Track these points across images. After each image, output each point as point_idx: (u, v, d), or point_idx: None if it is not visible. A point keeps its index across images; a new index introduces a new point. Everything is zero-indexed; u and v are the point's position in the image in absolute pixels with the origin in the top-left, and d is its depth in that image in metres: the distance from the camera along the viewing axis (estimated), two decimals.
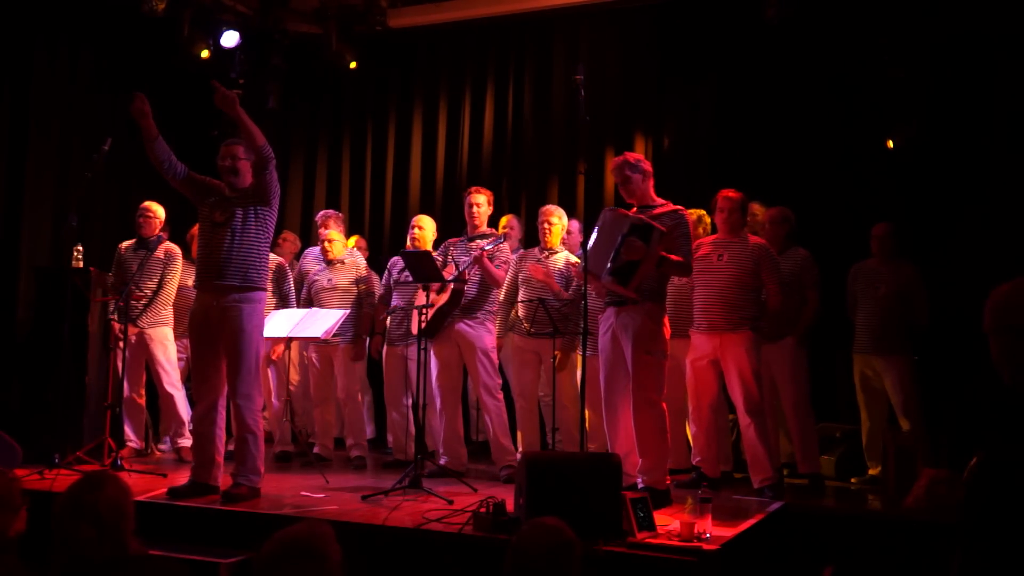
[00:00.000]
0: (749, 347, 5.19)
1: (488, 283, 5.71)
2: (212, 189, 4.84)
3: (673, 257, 4.57)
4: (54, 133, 7.15)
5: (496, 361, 5.78)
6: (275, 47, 7.80)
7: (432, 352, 5.69)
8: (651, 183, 4.83)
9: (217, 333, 4.68)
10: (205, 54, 7.63)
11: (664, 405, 4.71)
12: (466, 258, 5.67)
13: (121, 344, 6.04)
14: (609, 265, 4.49)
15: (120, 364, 6.08)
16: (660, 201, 4.80)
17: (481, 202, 5.79)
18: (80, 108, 7.33)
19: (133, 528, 2.56)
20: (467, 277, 5.61)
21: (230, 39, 7.58)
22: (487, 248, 5.55)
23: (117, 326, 5.96)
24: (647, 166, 4.85)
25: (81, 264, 6.25)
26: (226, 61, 7.70)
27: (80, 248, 6.31)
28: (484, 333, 5.69)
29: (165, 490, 4.73)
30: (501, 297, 5.98)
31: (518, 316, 6.04)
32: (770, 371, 5.67)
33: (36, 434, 5.73)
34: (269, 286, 6.35)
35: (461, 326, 5.66)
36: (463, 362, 5.81)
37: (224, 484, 4.71)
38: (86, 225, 6.88)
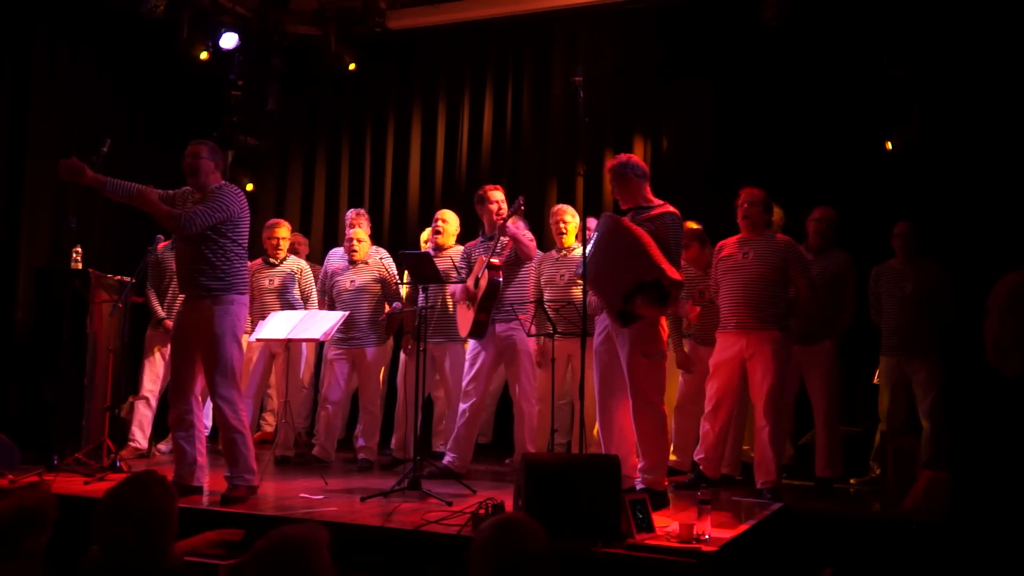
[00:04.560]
0: (777, 348, 5.12)
1: (522, 257, 5.59)
2: (183, 196, 4.81)
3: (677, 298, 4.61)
4: (53, 134, 7.15)
5: (535, 363, 5.78)
6: (274, 49, 7.80)
7: (467, 352, 5.69)
8: (646, 184, 4.79)
9: (193, 337, 4.73)
10: (204, 56, 7.64)
11: (664, 406, 4.69)
12: (493, 259, 5.61)
13: (155, 349, 6.16)
14: (619, 302, 4.47)
15: (150, 369, 6.23)
16: (657, 202, 4.76)
17: (503, 199, 5.76)
18: (79, 110, 7.33)
19: (175, 533, 2.52)
20: (499, 264, 5.51)
21: (229, 41, 7.58)
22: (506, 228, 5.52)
23: (169, 324, 6.06)
24: (641, 165, 4.82)
25: (80, 265, 6.26)
26: (225, 63, 7.71)
27: (79, 249, 6.32)
28: (526, 335, 5.65)
29: None
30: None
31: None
32: (800, 373, 5.61)
33: (35, 435, 5.74)
34: (297, 291, 6.40)
35: (502, 328, 5.61)
36: (499, 365, 5.79)
37: (213, 486, 4.76)
38: (85, 226, 6.88)
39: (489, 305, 5.48)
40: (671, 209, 4.69)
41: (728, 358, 5.24)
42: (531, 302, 5.70)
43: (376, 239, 8.07)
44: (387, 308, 6.37)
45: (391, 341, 6.71)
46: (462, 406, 5.69)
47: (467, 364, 5.71)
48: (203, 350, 4.69)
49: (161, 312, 6.26)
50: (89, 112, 7.40)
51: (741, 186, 5.50)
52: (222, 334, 4.66)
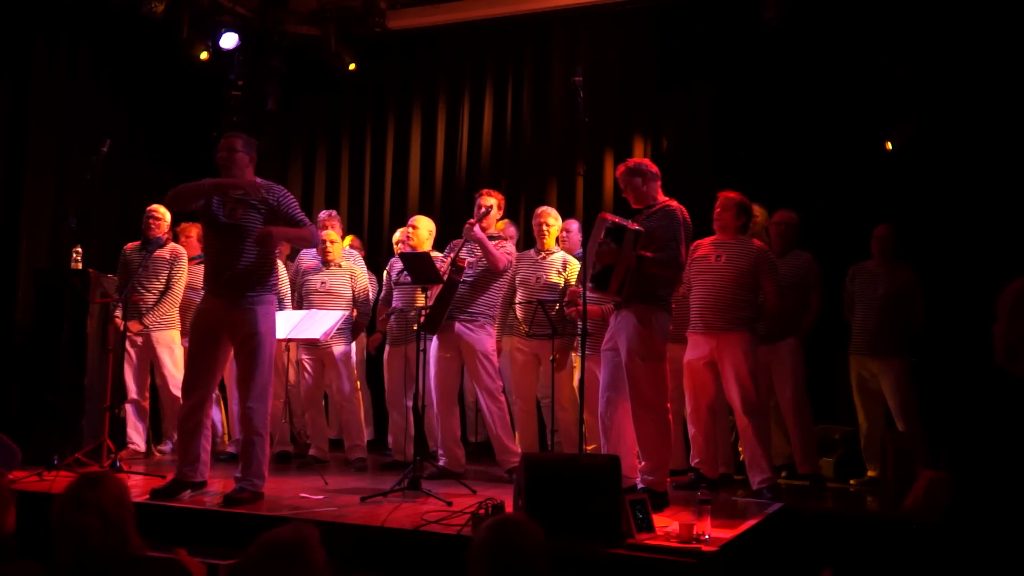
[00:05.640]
0: (746, 348, 5.19)
1: (489, 265, 5.57)
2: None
3: (651, 254, 4.53)
4: (53, 135, 7.14)
5: (496, 363, 5.77)
6: (274, 48, 7.79)
7: (430, 352, 5.67)
8: (655, 184, 4.82)
9: (226, 335, 4.68)
10: (204, 56, 7.63)
11: (669, 407, 4.69)
12: (472, 259, 5.64)
13: (127, 345, 6.08)
14: (590, 271, 4.56)
15: (128, 367, 6.14)
16: (662, 199, 4.79)
17: (492, 204, 5.73)
18: (79, 110, 7.32)
19: (135, 523, 2.56)
20: (464, 265, 5.53)
21: (229, 41, 7.57)
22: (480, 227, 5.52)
23: (120, 323, 5.96)
24: (650, 168, 4.84)
25: (80, 266, 6.25)
26: (225, 63, 7.71)
27: (79, 249, 6.31)
28: (484, 336, 5.66)
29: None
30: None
31: (516, 318, 6.05)
32: (768, 372, 5.68)
33: (35, 436, 5.72)
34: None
35: (460, 328, 5.62)
36: (462, 364, 5.80)
37: (213, 484, 4.76)
38: (85, 226, 6.88)
39: (443, 301, 5.45)
40: (671, 204, 4.73)
41: (698, 358, 5.31)
42: (532, 302, 5.71)
43: (375, 240, 8.13)
44: (354, 313, 6.36)
45: (372, 341, 6.74)
46: (435, 409, 5.71)
47: (430, 366, 5.70)
48: (243, 350, 4.65)
49: (119, 312, 6.15)
50: (89, 112, 7.39)
51: (740, 186, 5.52)
52: (265, 333, 4.67)
